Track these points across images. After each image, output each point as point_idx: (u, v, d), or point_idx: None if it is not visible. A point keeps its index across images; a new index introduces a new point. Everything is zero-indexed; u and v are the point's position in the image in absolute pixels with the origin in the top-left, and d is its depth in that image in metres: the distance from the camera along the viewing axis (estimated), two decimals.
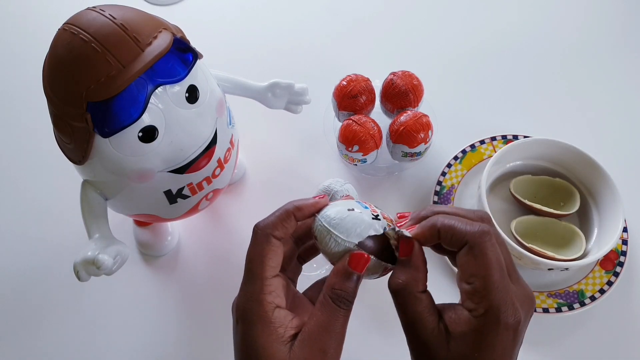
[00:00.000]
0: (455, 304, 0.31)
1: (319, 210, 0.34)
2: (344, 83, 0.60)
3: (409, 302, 0.30)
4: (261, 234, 0.32)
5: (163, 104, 0.39)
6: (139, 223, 0.57)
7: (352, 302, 0.31)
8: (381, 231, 0.32)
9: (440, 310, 0.31)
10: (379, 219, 0.33)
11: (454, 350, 0.29)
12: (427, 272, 0.32)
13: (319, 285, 0.37)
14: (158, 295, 0.56)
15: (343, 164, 0.63)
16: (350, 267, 0.31)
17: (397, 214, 0.35)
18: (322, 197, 0.35)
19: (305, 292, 0.37)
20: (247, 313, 0.31)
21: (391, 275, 0.32)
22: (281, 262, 0.33)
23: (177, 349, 0.53)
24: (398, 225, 0.33)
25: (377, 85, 0.62)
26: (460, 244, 0.30)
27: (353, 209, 0.33)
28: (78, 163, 0.41)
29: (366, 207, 0.34)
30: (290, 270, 0.36)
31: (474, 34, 0.75)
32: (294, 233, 0.35)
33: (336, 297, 0.30)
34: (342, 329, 0.30)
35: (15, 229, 0.61)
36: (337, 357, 0.30)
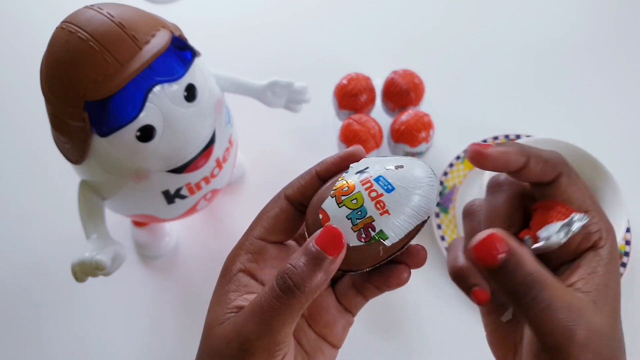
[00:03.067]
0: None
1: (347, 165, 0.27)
2: (345, 82, 0.59)
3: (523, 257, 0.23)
4: (276, 195, 0.28)
5: (161, 103, 0.38)
6: (136, 223, 0.56)
7: (300, 292, 0.23)
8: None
9: None
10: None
11: (600, 312, 0.24)
12: None
13: None
14: (156, 296, 0.55)
15: None
16: (316, 241, 0.24)
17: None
18: (354, 150, 0.27)
19: None
20: (223, 265, 0.27)
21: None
22: (290, 230, 0.28)
23: (175, 350, 0.53)
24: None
25: (378, 84, 0.62)
26: (554, 174, 0.25)
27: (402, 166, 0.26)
28: (76, 163, 0.41)
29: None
30: None
31: (475, 32, 0.75)
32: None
33: (282, 274, 0.23)
34: (275, 321, 0.23)
35: (12, 229, 0.60)
36: (267, 356, 0.23)
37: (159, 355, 0.52)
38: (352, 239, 0.25)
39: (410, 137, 0.55)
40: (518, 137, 0.61)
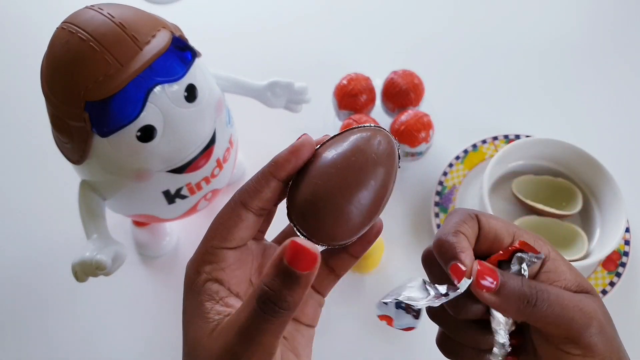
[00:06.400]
0: None
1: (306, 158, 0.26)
2: (345, 82, 0.60)
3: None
4: (232, 201, 0.27)
5: (161, 103, 0.38)
6: (137, 223, 0.56)
7: (284, 310, 0.22)
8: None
9: None
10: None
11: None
12: None
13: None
14: (156, 296, 0.55)
15: None
16: (285, 259, 0.22)
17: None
18: (303, 141, 0.26)
19: (277, 240, 0.31)
20: (186, 277, 0.27)
21: None
22: (250, 234, 0.27)
23: (175, 349, 0.53)
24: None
25: (378, 84, 0.62)
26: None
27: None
28: (76, 163, 0.41)
29: None
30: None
31: (475, 33, 0.75)
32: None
33: (261, 297, 0.22)
34: (265, 339, 0.23)
35: (13, 230, 0.60)
36: None
37: (159, 355, 0.53)
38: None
39: (410, 137, 0.55)
40: (517, 137, 0.61)
